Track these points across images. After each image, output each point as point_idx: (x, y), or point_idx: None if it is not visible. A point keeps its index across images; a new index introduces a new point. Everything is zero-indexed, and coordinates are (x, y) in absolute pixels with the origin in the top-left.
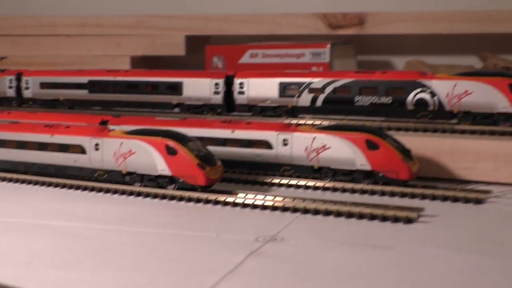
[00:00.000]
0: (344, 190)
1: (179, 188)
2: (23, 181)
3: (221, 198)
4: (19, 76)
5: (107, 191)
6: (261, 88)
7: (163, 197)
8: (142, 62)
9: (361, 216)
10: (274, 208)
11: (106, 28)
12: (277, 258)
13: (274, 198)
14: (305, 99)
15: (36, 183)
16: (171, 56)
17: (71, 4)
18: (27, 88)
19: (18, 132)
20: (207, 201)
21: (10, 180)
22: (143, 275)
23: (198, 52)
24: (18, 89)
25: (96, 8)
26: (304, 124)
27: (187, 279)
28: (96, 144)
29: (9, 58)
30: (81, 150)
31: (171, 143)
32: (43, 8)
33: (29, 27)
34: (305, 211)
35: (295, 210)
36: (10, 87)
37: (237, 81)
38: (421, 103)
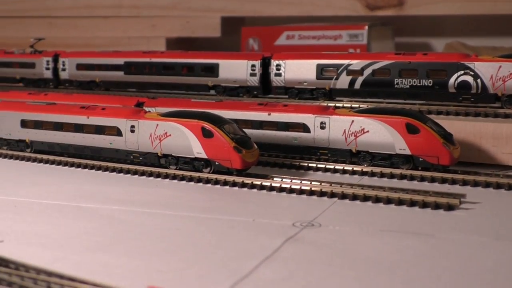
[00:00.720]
0: (382, 175)
1: (214, 172)
2: (59, 163)
3: (257, 182)
4: (56, 58)
5: (142, 173)
6: (298, 70)
7: (199, 180)
8: (177, 44)
9: (400, 202)
10: (311, 192)
11: (142, 10)
12: (315, 245)
13: (311, 182)
14: (343, 81)
15: (72, 165)
16: (207, 37)
17: None
18: (63, 70)
19: (54, 113)
20: (243, 185)
21: (46, 161)
22: (179, 260)
23: (233, 34)
24: (55, 71)
25: None
26: (342, 107)
27: (224, 265)
28: (132, 126)
29: (46, 40)
30: (117, 132)
31: (207, 125)
32: None
33: (66, 8)
34: (343, 196)
35: (332, 195)
36: (47, 69)
37: (274, 62)
38: (463, 85)
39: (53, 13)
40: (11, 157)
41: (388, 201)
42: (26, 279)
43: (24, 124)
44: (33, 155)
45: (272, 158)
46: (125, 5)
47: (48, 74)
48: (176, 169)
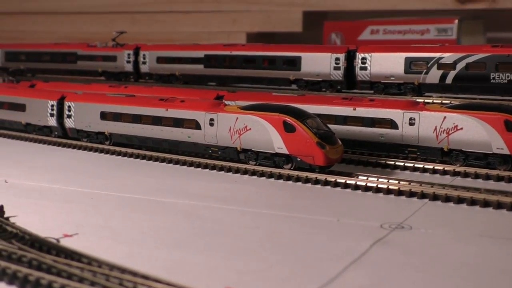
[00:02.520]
0: (476, 176)
1: (295, 168)
2: (137, 156)
3: (341, 180)
4: (137, 51)
5: (221, 168)
6: (385, 64)
7: (279, 177)
8: (258, 39)
9: (499, 206)
10: (399, 193)
11: (223, 4)
12: (406, 248)
13: (399, 182)
14: (433, 75)
15: (149, 158)
16: (288, 32)
17: None
18: (144, 63)
19: (133, 105)
20: (326, 183)
21: (124, 154)
22: (259, 260)
23: (315, 29)
24: (136, 64)
25: None
26: (433, 103)
27: (308, 267)
28: (211, 119)
29: (128, 35)
30: (195, 125)
31: (289, 119)
32: None
33: (148, 4)
34: (434, 197)
35: (423, 196)
36: (128, 62)
37: (359, 55)
38: None
39: (135, 8)
40: (90, 149)
41: (486, 204)
42: (98, 275)
43: (104, 116)
44: (111, 147)
45: (356, 155)
46: (206, 0)
47: (129, 67)
48: (255, 164)
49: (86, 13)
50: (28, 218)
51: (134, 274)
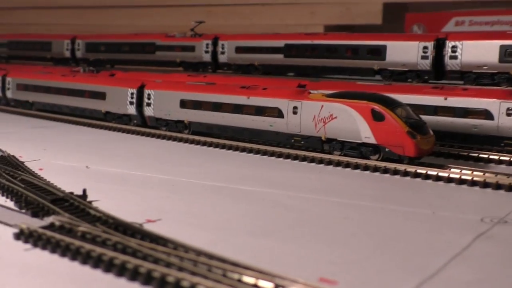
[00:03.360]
0: None
1: (383, 159)
2: (216, 145)
3: (433, 172)
4: (215, 41)
5: (304, 159)
6: (477, 52)
7: (365, 168)
8: (336, 32)
9: None
10: (497, 186)
11: None
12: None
13: (496, 175)
14: None
15: (230, 147)
16: (367, 25)
17: None
18: (222, 53)
19: (214, 93)
20: (416, 175)
21: (204, 143)
22: (352, 252)
23: (395, 21)
24: (214, 54)
25: None
26: None
27: (406, 260)
28: (295, 107)
29: (206, 28)
30: (278, 113)
31: (378, 107)
32: None
33: None
34: None
35: None
36: (207, 52)
37: (449, 44)
38: None
39: (212, 1)
40: (169, 138)
41: None
42: (185, 261)
43: (183, 104)
44: (190, 136)
45: (446, 148)
46: None
47: (207, 57)
48: (340, 155)
49: (163, 6)
50: (110, 203)
51: (223, 260)
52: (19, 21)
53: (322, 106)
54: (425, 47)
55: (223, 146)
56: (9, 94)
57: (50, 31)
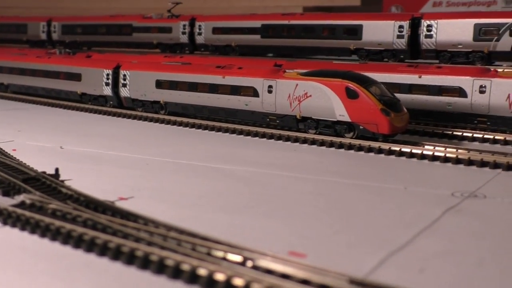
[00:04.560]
0: None
1: (358, 137)
2: (192, 126)
3: (406, 149)
4: (192, 22)
5: (279, 137)
6: (452, 31)
7: (340, 146)
8: (314, 12)
9: None
10: (469, 162)
11: None
12: (482, 217)
13: (469, 151)
14: (505, 43)
15: (205, 127)
16: (345, 6)
17: None
18: (199, 34)
19: (189, 73)
20: (390, 152)
21: (180, 124)
22: (324, 226)
23: (374, 3)
24: (191, 35)
25: None
26: (505, 70)
27: (376, 233)
28: (270, 86)
29: (183, 9)
30: (253, 92)
31: (352, 85)
32: None
33: None
34: (509, 167)
35: (496, 165)
36: (184, 33)
37: (424, 23)
38: None
39: None
40: (145, 119)
41: None
42: (155, 236)
43: (159, 84)
44: (167, 117)
45: (420, 126)
46: None
47: (184, 38)
48: (315, 133)
49: None
50: (82, 182)
51: (193, 235)
52: None
53: (297, 85)
54: (401, 26)
55: (199, 126)
56: None
57: (27, 14)
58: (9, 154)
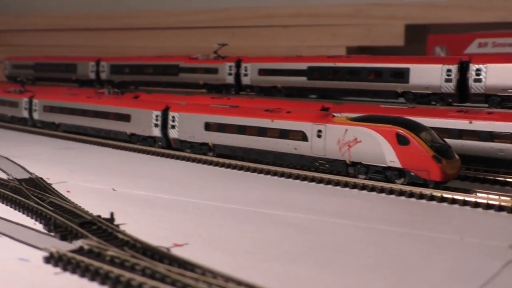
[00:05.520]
0: None
1: (408, 183)
2: (241, 168)
3: (459, 196)
4: (238, 63)
5: (328, 182)
6: (502, 75)
7: (391, 191)
8: (358, 53)
9: None
10: None
11: (322, 18)
12: None
13: None
14: None
15: (254, 170)
16: (389, 46)
17: None
18: (245, 75)
19: (238, 116)
20: (442, 199)
21: (228, 166)
22: (381, 278)
23: (417, 43)
24: (237, 76)
25: None
26: None
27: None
28: (319, 131)
29: (227, 49)
30: (302, 136)
31: (403, 131)
32: (262, 0)
33: (247, 18)
34: None
35: None
36: (230, 74)
37: (473, 67)
38: None
39: (234, 23)
40: (193, 160)
41: None
42: (214, 287)
43: (208, 126)
44: (215, 159)
45: (471, 171)
46: (304, 13)
47: (230, 79)
48: (365, 178)
49: (186, 28)
50: (137, 226)
51: (251, 287)
52: (44, 42)
53: (347, 130)
54: (449, 70)
55: (247, 169)
56: (35, 115)
57: (74, 52)
58: (64, 196)
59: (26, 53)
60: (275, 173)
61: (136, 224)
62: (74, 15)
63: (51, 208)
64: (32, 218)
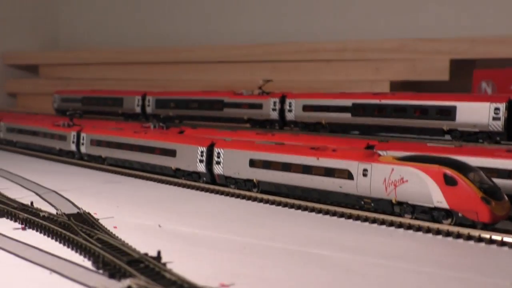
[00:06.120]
0: None
1: (456, 224)
2: (285, 205)
3: (509, 239)
4: (283, 99)
5: (374, 221)
6: None
7: (438, 232)
8: (402, 88)
9: None
10: None
11: (365, 53)
12: None
13: None
14: None
15: (298, 207)
16: (433, 81)
17: (331, 29)
18: (290, 111)
19: (283, 153)
20: (491, 241)
21: (272, 202)
22: None
23: (462, 77)
24: (281, 112)
25: (356, 32)
26: None
27: None
28: (365, 170)
29: (270, 83)
30: (347, 175)
31: (450, 172)
32: (305, 35)
33: (291, 52)
34: None
35: None
36: (274, 109)
37: None
38: None
39: (278, 57)
40: (238, 196)
41: None
42: None
43: (253, 163)
44: (259, 195)
45: None
46: (349, 48)
47: (274, 115)
48: (411, 218)
49: (230, 62)
50: (183, 265)
51: None
52: (91, 76)
53: (393, 169)
54: (497, 109)
55: (291, 206)
56: (83, 149)
57: (120, 85)
58: (111, 232)
59: (75, 86)
60: (319, 211)
61: (182, 263)
62: (121, 50)
63: (99, 245)
64: (80, 254)
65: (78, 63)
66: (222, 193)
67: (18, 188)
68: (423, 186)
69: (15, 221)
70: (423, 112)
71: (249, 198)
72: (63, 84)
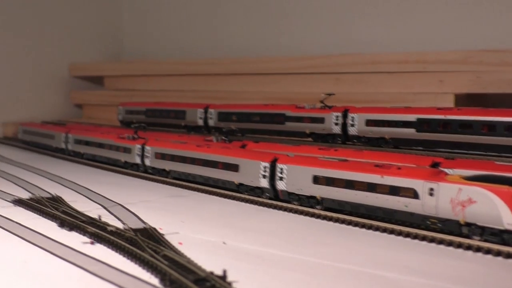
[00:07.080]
0: None
1: None
2: (349, 223)
3: None
4: (345, 113)
5: (440, 242)
6: None
7: (508, 255)
8: (466, 100)
9: None
10: None
11: (429, 65)
12: None
13: None
14: None
15: (362, 226)
16: (500, 94)
17: (393, 41)
18: (352, 125)
19: (347, 170)
20: None
21: (336, 220)
22: None
23: None
24: (344, 126)
25: (419, 44)
26: None
27: None
28: (431, 189)
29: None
30: (413, 194)
31: None
32: (365, 45)
33: (353, 64)
34: None
35: None
36: (336, 124)
37: None
38: None
39: (339, 69)
40: (300, 212)
41: None
42: None
43: (316, 180)
44: (323, 212)
45: None
46: (411, 60)
47: (337, 129)
48: (480, 240)
49: (289, 74)
50: (249, 285)
51: None
52: (154, 87)
53: (460, 189)
54: None
55: (355, 224)
56: (147, 162)
57: (181, 97)
58: (177, 249)
59: (138, 97)
60: (384, 230)
61: (248, 282)
62: (182, 61)
63: (166, 263)
64: (147, 271)
65: (140, 75)
66: (285, 209)
67: (86, 200)
68: (492, 208)
69: (84, 235)
70: (491, 128)
71: (312, 215)
72: (127, 95)
